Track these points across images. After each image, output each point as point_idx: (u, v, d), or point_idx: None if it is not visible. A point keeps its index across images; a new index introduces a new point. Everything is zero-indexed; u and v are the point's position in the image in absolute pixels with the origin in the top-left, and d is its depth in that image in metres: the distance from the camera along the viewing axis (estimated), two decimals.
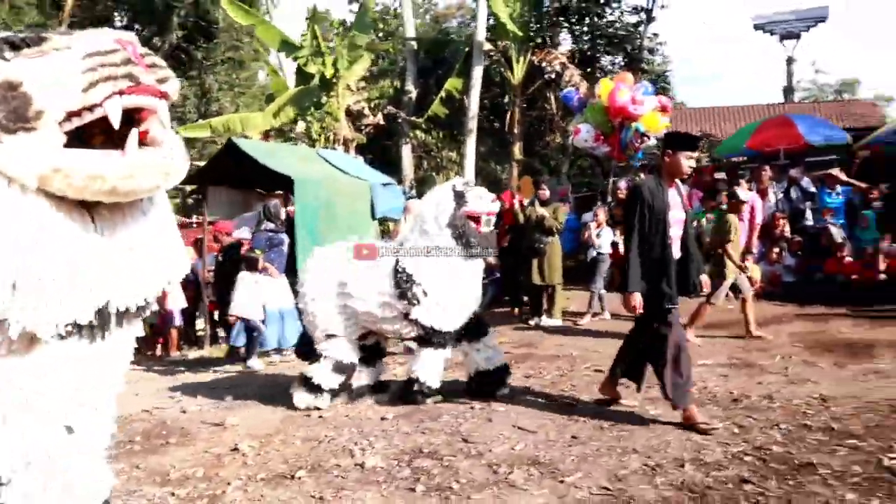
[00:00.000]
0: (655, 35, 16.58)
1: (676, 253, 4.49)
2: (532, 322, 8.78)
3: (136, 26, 22.72)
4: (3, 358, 1.97)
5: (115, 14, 23.77)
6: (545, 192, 8.78)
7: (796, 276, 9.61)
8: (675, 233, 4.48)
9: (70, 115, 1.91)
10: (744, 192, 7.50)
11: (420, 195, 9.11)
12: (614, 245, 9.11)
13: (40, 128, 1.89)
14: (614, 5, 15.42)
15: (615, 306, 9.08)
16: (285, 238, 8.24)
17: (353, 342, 5.40)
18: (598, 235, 9.03)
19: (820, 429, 4.32)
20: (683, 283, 4.52)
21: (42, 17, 20.69)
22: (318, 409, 5.31)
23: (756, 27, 29.73)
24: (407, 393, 5.29)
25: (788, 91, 27.90)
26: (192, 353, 9.57)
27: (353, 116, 13.71)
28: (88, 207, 2.00)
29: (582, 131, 10.55)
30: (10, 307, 1.88)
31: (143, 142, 2.01)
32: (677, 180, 4.59)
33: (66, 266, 1.95)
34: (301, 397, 5.36)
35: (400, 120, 15.14)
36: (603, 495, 3.38)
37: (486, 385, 5.32)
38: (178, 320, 9.78)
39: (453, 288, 5.15)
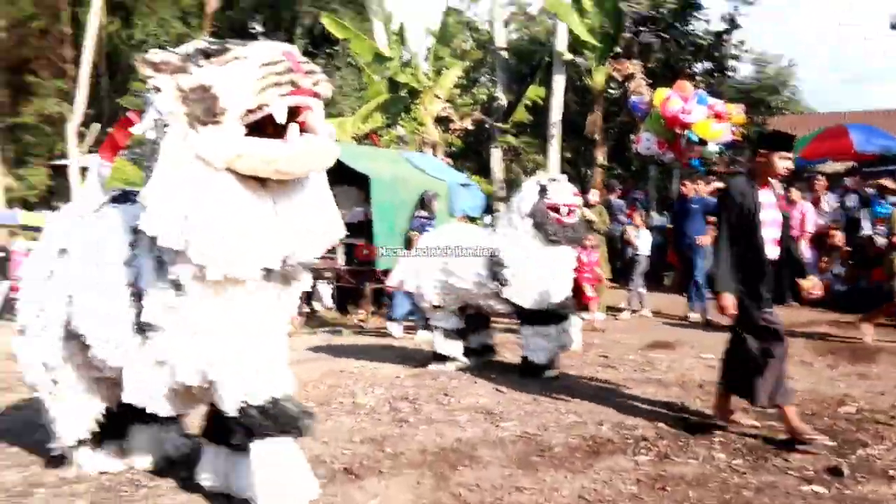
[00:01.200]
0: (741, 42, 16.79)
1: (773, 254, 4.34)
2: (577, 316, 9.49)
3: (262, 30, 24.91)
4: (204, 296, 2.63)
5: (249, 22, 26.18)
6: (591, 197, 9.57)
7: (846, 285, 9.73)
8: (770, 234, 4.32)
9: (247, 112, 2.48)
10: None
11: (509, 195, 9.87)
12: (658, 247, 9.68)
13: (225, 122, 2.46)
14: (697, 14, 15.86)
15: (657, 305, 9.76)
16: (434, 223, 9.26)
17: (456, 312, 6.23)
18: (636, 237, 9.69)
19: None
20: (777, 290, 4.35)
21: (186, 27, 23.21)
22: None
23: (893, 27, 27.83)
24: (522, 371, 5.93)
25: None
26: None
27: (443, 122, 14.95)
28: (263, 183, 2.60)
29: (643, 139, 11.16)
30: (214, 257, 2.48)
31: (303, 131, 2.56)
32: (773, 181, 4.43)
33: (246, 225, 2.51)
34: (435, 367, 6.17)
35: (488, 126, 16.21)
36: (520, 436, 4.28)
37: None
38: None
39: (537, 272, 5.71)
